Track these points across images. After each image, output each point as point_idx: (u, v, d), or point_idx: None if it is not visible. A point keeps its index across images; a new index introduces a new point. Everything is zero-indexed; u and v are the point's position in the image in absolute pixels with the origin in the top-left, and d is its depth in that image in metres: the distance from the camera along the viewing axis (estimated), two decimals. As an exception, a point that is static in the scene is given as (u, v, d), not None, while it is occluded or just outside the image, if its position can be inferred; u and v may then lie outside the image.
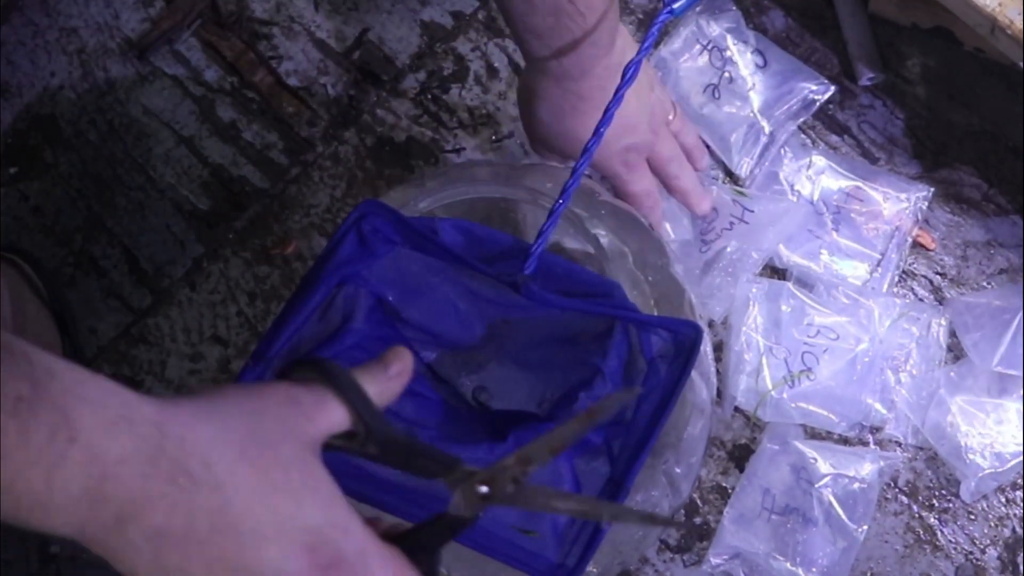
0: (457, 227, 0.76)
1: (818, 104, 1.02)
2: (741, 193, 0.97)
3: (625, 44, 0.83)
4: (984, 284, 0.99)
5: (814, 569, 0.88)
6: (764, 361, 0.93)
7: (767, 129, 1.01)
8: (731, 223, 0.97)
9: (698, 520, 0.92)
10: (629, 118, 0.84)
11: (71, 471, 0.43)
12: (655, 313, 0.79)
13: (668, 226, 0.98)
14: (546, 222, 0.74)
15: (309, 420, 0.50)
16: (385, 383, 0.55)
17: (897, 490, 0.93)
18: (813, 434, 0.93)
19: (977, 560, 0.91)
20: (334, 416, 0.51)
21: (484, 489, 0.54)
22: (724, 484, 0.93)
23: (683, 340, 0.74)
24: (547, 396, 0.83)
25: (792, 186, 1.00)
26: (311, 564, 0.48)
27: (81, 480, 0.43)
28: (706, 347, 0.84)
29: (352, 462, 0.60)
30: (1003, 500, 0.92)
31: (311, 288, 0.73)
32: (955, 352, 0.96)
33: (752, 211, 0.96)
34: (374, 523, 0.54)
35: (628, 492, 0.72)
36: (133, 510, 0.45)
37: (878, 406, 0.93)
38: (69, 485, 0.43)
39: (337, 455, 0.53)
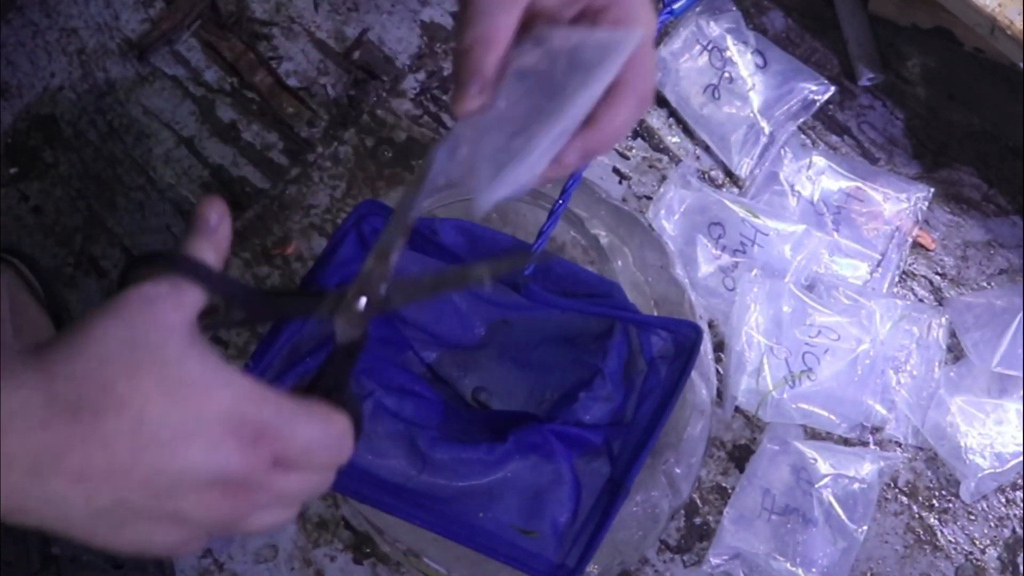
0: (457, 227, 0.77)
1: (818, 104, 1.02)
2: (754, 215, 0.97)
3: None
4: (984, 284, 0.99)
5: (814, 569, 0.88)
6: (765, 361, 0.93)
7: (767, 129, 1.01)
8: (743, 244, 0.96)
9: (698, 520, 0.92)
10: None
11: None
12: (655, 314, 0.79)
13: (699, 258, 0.96)
14: (546, 222, 0.74)
15: (173, 310, 0.49)
16: (214, 237, 0.53)
17: (897, 490, 0.93)
18: (813, 434, 0.93)
19: (977, 560, 0.91)
20: (190, 297, 0.49)
21: (362, 302, 0.54)
22: (724, 484, 0.93)
23: (683, 341, 0.75)
24: (547, 396, 0.83)
25: (792, 186, 1.00)
26: (239, 443, 0.47)
27: None
28: (706, 347, 0.84)
29: (353, 462, 0.60)
30: (1003, 500, 0.92)
31: (311, 289, 0.73)
32: (955, 352, 0.96)
33: (767, 235, 0.96)
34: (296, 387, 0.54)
35: (628, 492, 0.72)
36: (45, 459, 0.44)
37: (878, 407, 0.93)
38: None
39: None
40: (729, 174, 1.02)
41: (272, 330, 0.73)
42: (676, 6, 1.03)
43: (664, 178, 1.00)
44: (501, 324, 0.83)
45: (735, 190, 1.02)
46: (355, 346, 0.54)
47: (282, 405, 0.49)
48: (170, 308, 0.48)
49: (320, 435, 0.50)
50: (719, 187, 1.02)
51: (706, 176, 1.03)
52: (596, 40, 0.56)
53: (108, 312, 0.47)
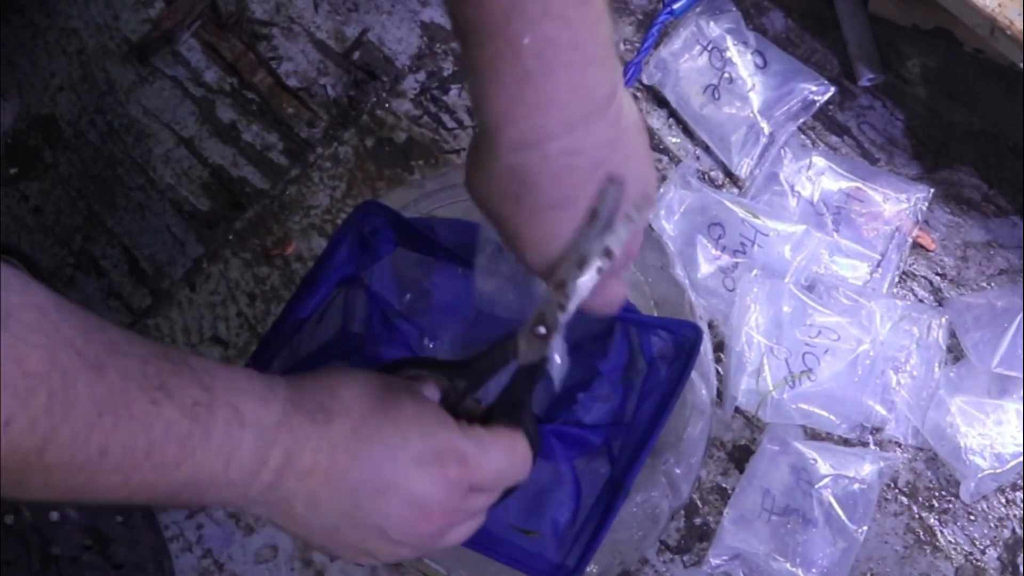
0: (456, 227, 0.77)
1: (818, 105, 1.02)
2: (754, 216, 0.97)
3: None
4: (984, 285, 0.99)
5: (814, 570, 0.88)
6: (765, 362, 0.93)
7: (767, 130, 1.01)
8: (743, 244, 0.96)
9: (698, 521, 0.92)
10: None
11: (244, 450, 0.49)
12: (655, 314, 0.79)
13: (699, 258, 0.97)
14: None
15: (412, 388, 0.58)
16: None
17: (897, 491, 0.93)
18: (813, 435, 0.93)
19: (977, 561, 0.91)
20: (430, 389, 0.59)
21: (542, 329, 0.59)
22: (724, 485, 0.93)
23: (683, 341, 0.75)
24: (544, 396, 0.83)
25: (792, 187, 1.00)
26: (443, 471, 0.54)
27: (252, 454, 0.49)
28: (706, 347, 0.84)
29: None
30: (1003, 501, 0.92)
31: (311, 289, 0.73)
32: (955, 353, 0.96)
33: (767, 235, 0.96)
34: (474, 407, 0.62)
35: (628, 492, 0.72)
36: (286, 459, 0.51)
37: (878, 407, 0.93)
38: (243, 462, 0.49)
39: None
40: (729, 174, 1.02)
41: (273, 331, 0.73)
42: (676, 6, 1.03)
43: (664, 178, 1.00)
44: (503, 326, 0.83)
45: (735, 190, 1.02)
46: (535, 368, 0.61)
47: (481, 438, 0.57)
48: (414, 390, 0.58)
49: (507, 463, 0.58)
50: (719, 187, 1.02)
51: (706, 176, 1.03)
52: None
53: (364, 373, 0.57)
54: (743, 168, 1.00)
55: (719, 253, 0.97)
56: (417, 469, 0.53)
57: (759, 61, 1.03)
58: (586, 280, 0.57)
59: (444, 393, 0.60)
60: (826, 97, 1.02)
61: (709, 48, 1.03)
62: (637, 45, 1.07)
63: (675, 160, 1.03)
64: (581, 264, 0.56)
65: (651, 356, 0.78)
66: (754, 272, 0.95)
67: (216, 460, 0.48)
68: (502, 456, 0.57)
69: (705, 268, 0.96)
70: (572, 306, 0.58)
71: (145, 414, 0.46)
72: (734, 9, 1.04)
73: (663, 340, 0.76)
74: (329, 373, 0.55)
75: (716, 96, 1.02)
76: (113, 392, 0.45)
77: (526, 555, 0.71)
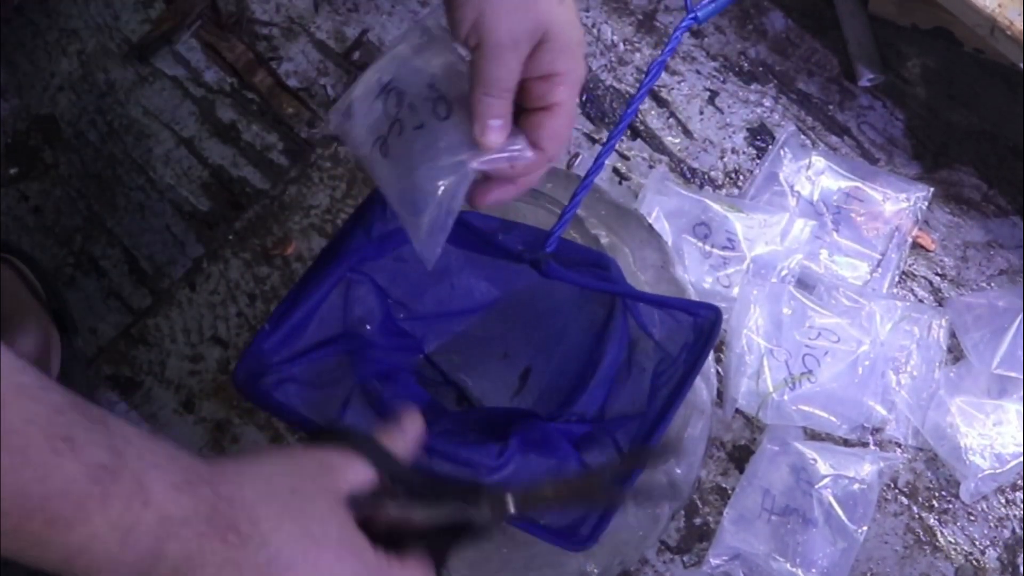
0: (473, 218, 0.77)
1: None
2: (737, 210, 0.97)
3: None
4: (984, 285, 0.99)
5: (814, 570, 0.88)
6: (765, 363, 0.93)
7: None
8: (730, 240, 0.96)
9: (698, 521, 0.92)
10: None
11: (143, 532, 0.46)
12: (655, 313, 0.79)
13: (690, 259, 0.97)
14: (556, 224, 0.74)
15: (339, 479, 0.55)
16: (403, 439, 0.61)
17: (897, 491, 0.93)
18: (813, 435, 0.93)
19: (977, 561, 0.91)
20: (361, 475, 0.56)
21: (511, 508, 0.58)
22: (724, 485, 0.93)
23: (702, 322, 0.75)
24: (546, 392, 0.83)
25: (792, 186, 1.00)
26: None
27: (150, 540, 0.47)
28: (706, 348, 0.84)
29: None
30: (1003, 501, 0.92)
31: (323, 270, 0.74)
32: (955, 353, 0.96)
33: (751, 227, 0.96)
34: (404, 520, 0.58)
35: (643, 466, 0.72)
36: (189, 567, 0.48)
37: (879, 408, 0.93)
38: (139, 545, 0.46)
39: None
40: (728, 174, 1.02)
41: (285, 304, 0.73)
42: (700, 12, 1.02)
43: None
44: (513, 311, 0.84)
45: (735, 191, 1.02)
46: (484, 532, 0.59)
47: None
48: (337, 476, 0.55)
49: None
50: (719, 187, 1.02)
51: (706, 176, 1.03)
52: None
53: (286, 457, 0.55)
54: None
55: (710, 250, 0.96)
56: None
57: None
58: None
59: (377, 488, 0.57)
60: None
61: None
62: (637, 44, 1.07)
63: (675, 160, 1.03)
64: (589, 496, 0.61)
65: (656, 338, 0.78)
66: (746, 264, 0.95)
67: (112, 534, 0.46)
68: None
69: (697, 268, 0.96)
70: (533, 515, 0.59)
71: (44, 463, 0.44)
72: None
73: (677, 322, 0.77)
74: (255, 480, 0.52)
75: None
76: (13, 433, 0.44)
77: (538, 527, 0.72)
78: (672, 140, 1.04)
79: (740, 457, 0.93)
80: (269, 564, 0.50)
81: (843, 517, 0.89)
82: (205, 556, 0.48)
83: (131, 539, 0.46)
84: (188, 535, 0.48)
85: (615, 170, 1.03)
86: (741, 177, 1.03)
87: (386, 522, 0.56)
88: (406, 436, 0.61)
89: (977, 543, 0.91)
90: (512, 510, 0.58)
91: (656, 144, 1.04)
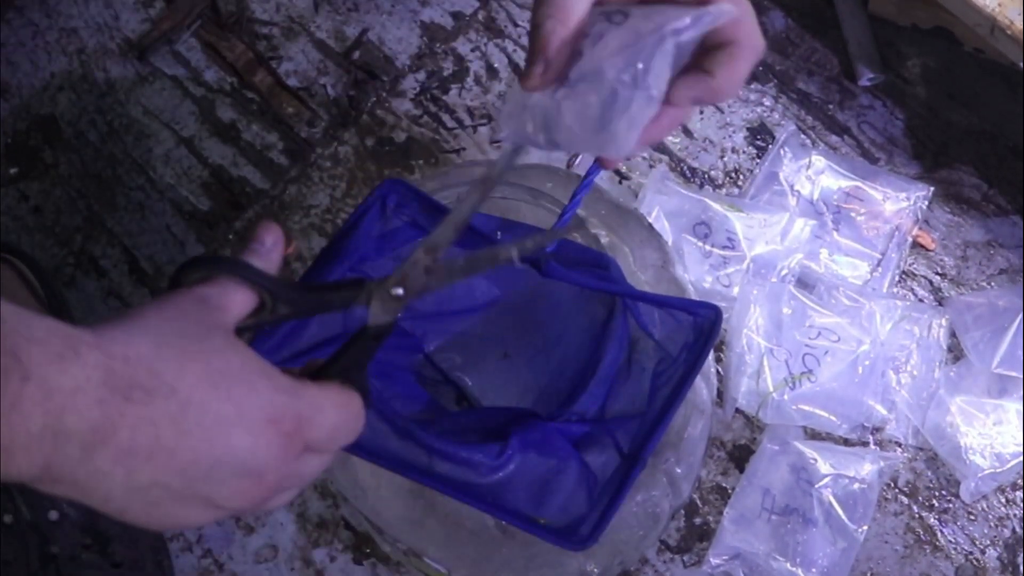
0: (485, 217, 0.77)
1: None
2: (737, 209, 0.97)
3: None
4: (984, 284, 0.99)
5: (814, 569, 0.88)
6: (765, 363, 0.93)
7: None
8: (730, 240, 0.96)
9: (698, 520, 0.92)
10: None
11: (28, 409, 0.44)
12: (655, 313, 0.79)
13: (690, 259, 0.96)
14: (557, 222, 0.74)
15: (221, 310, 0.53)
16: (267, 256, 0.57)
17: (897, 490, 0.93)
18: (813, 434, 0.93)
19: (977, 560, 0.91)
20: (239, 298, 0.54)
21: (399, 291, 0.57)
22: (724, 484, 0.93)
23: (702, 322, 0.75)
24: (547, 391, 0.83)
25: (792, 186, 1.00)
26: (277, 435, 0.50)
27: (39, 417, 0.44)
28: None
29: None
30: (1003, 500, 0.92)
31: (333, 260, 0.74)
32: (955, 353, 0.96)
33: (751, 227, 0.96)
34: (310, 363, 0.57)
35: (645, 463, 0.72)
36: (97, 437, 0.46)
37: (879, 407, 0.93)
38: (28, 423, 0.44)
39: None
40: (728, 173, 1.02)
41: (274, 327, 0.73)
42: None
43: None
44: (511, 312, 0.84)
45: (735, 190, 1.02)
46: (382, 331, 0.57)
47: (314, 396, 0.52)
48: (218, 307, 0.52)
49: (343, 420, 0.54)
50: (719, 186, 1.02)
51: (706, 175, 1.03)
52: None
53: (164, 305, 0.51)
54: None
55: (710, 249, 0.96)
56: (252, 439, 0.49)
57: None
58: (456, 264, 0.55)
59: (257, 309, 0.55)
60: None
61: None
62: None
63: (676, 160, 1.03)
64: (458, 228, 0.56)
65: (656, 337, 0.78)
66: (746, 263, 0.95)
67: None
68: (337, 415, 0.53)
69: (697, 268, 0.96)
70: (436, 281, 0.56)
71: None
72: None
73: (677, 322, 0.77)
74: (143, 334, 0.49)
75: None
76: None
77: (537, 527, 0.72)
78: (672, 139, 1.04)
79: (740, 457, 0.93)
80: (183, 411, 0.48)
81: (843, 517, 0.89)
82: (113, 421, 0.46)
83: (16, 418, 0.43)
84: (85, 404, 0.45)
85: (615, 170, 1.03)
86: (741, 176, 1.03)
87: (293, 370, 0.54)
88: (269, 250, 0.58)
89: (977, 542, 0.91)
90: (401, 293, 0.56)
91: (656, 144, 1.04)
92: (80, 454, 0.46)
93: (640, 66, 0.53)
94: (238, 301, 0.54)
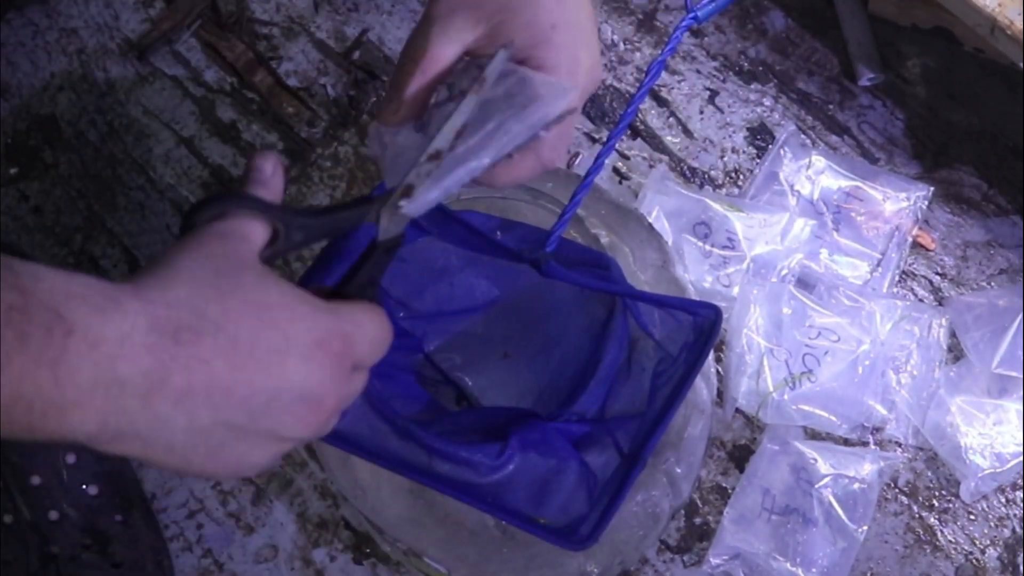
0: (473, 217, 0.77)
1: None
2: (737, 209, 0.97)
3: None
4: (984, 284, 0.99)
5: (814, 569, 0.88)
6: (765, 363, 0.93)
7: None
8: (730, 240, 0.96)
9: (698, 520, 0.92)
10: (590, 29, 0.65)
11: (75, 361, 0.43)
12: (655, 313, 0.79)
13: (690, 259, 0.96)
14: (557, 223, 0.74)
15: (245, 244, 0.53)
16: (270, 184, 0.57)
17: (897, 490, 0.93)
18: (813, 434, 0.93)
19: (977, 560, 0.91)
20: (257, 230, 0.54)
21: (403, 202, 0.57)
22: (724, 484, 0.93)
23: (702, 322, 0.75)
24: (546, 391, 0.83)
25: (792, 186, 1.00)
26: (328, 356, 0.51)
27: (89, 368, 0.44)
28: (707, 346, 0.84)
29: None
30: (1003, 500, 0.92)
31: (330, 262, 0.74)
32: (955, 352, 0.96)
33: (751, 227, 0.96)
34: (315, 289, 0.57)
35: (645, 463, 0.72)
36: (152, 383, 0.46)
37: (879, 407, 0.93)
38: (77, 376, 0.43)
39: None
40: (728, 173, 1.02)
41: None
42: (700, 12, 1.01)
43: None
44: (511, 312, 0.84)
45: (735, 190, 1.02)
46: (395, 243, 0.57)
47: (352, 313, 0.53)
48: (240, 241, 0.52)
49: (379, 333, 0.55)
50: (719, 187, 1.02)
51: (706, 175, 1.03)
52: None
53: (189, 247, 0.51)
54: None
55: (710, 249, 0.96)
56: (305, 364, 0.50)
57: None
58: (471, 165, 0.56)
59: (272, 239, 0.55)
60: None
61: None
62: (637, 44, 1.07)
63: (676, 159, 1.03)
64: (458, 133, 0.57)
65: (656, 337, 0.78)
66: (746, 263, 0.95)
67: (39, 370, 0.43)
68: (374, 327, 0.54)
69: (697, 268, 0.96)
70: (444, 186, 0.56)
71: None
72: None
73: (677, 322, 0.77)
74: (179, 277, 0.49)
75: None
76: None
77: (537, 527, 0.72)
78: (672, 140, 1.04)
79: (740, 457, 0.93)
80: (233, 346, 0.48)
81: (843, 516, 0.89)
82: (166, 365, 0.46)
83: (63, 371, 0.43)
84: (135, 352, 0.45)
85: (615, 169, 1.03)
86: (741, 176, 1.03)
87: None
88: (270, 178, 0.57)
89: (977, 542, 0.91)
90: (402, 205, 0.56)
91: (656, 144, 1.04)
92: (138, 403, 0.45)
93: (472, 142, 0.58)
94: (256, 233, 0.53)
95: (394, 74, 0.61)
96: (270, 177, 0.56)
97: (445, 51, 0.61)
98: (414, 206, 0.57)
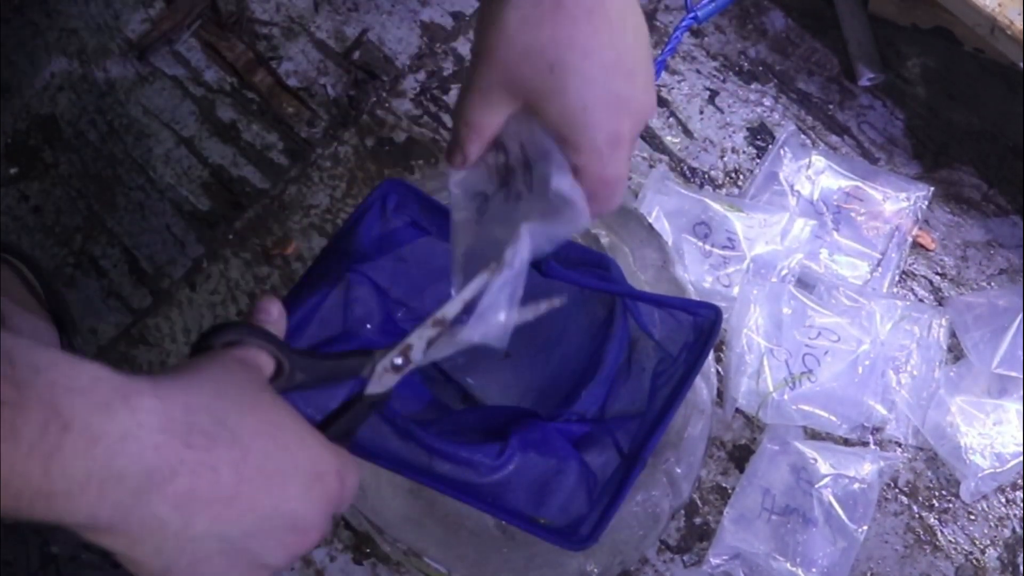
0: None
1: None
2: (737, 209, 0.97)
3: None
4: (984, 284, 0.99)
5: (814, 569, 0.88)
6: (765, 363, 0.93)
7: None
8: (730, 240, 0.96)
9: (698, 520, 0.92)
10: (632, 76, 0.61)
11: (70, 457, 0.43)
12: (655, 313, 0.79)
13: (690, 259, 0.96)
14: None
15: (258, 370, 0.55)
16: (276, 325, 0.59)
17: (897, 490, 0.93)
18: (813, 434, 0.93)
19: (977, 560, 0.91)
20: (266, 362, 0.56)
21: (398, 360, 0.60)
22: (724, 484, 0.93)
23: (702, 322, 0.75)
24: (547, 391, 0.83)
25: (792, 186, 1.00)
26: (323, 490, 0.52)
27: (83, 464, 0.43)
28: (707, 346, 0.84)
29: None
30: (1003, 500, 0.92)
31: (330, 262, 0.74)
32: (955, 352, 0.96)
33: (751, 227, 0.96)
34: None
35: (645, 463, 0.72)
36: (153, 481, 0.45)
37: (879, 407, 0.93)
38: (69, 470, 0.43)
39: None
40: (728, 173, 1.02)
41: (293, 294, 0.73)
42: (700, 11, 1.02)
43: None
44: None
45: (735, 190, 1.02)
46: (381, 398, 0.59)
47: (346, 457, 0.55)
48: (255, 369, 0.55)
49: (357, 485, 0.56)
50: (719, 187, 1.02)
51: (706, 175, 1.03)
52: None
53: (213, 362, 0.53)
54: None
55: (710, 249, 0.96)
56: (305, 492, 0.51)
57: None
58: (473, 330, 0.58)
59: (276, 375, 0.56)
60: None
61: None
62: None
63: (676, 159, 1.03)
64: (466, 304, 0.59)
65: (656, 338, 0.78)
66: (746, 263, 0.95)
67: (29, 463, 0.42)
68: (355, 478, 0.56)
69: (697, 268, 0.96)
70: (440, 353, 0.59)
71: None
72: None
73: (677, 322, 0.77)
74: (202, 384, 0.49)
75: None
76: None
77: (538, 528, 0.72)
78: (672, 140, 1.04)
79: (740, 457, 0.93)
80: (245, 458, 0.48)
81: (843, 517, 0.89)
82: (172, 466, 0.45)
83: (55, 466, 0.42)
84: (138, 449, 0.44)
85: (615, 170, 1.03)
86: (741, 176, 1.03)
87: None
88: (276, 320, 0.59)
89: (977, 542, 0.91)
90: (400, 363, 0.59)
91: (656, 144, 1.04)
92: (132, 500, 0.45)
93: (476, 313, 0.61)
94: (266, 365, 0.55)
95: (454, 133, 0.65)
96: (277, 319, 0.59)
97: (491, 121, 0.64)
98: (408, 368, 0.60)
